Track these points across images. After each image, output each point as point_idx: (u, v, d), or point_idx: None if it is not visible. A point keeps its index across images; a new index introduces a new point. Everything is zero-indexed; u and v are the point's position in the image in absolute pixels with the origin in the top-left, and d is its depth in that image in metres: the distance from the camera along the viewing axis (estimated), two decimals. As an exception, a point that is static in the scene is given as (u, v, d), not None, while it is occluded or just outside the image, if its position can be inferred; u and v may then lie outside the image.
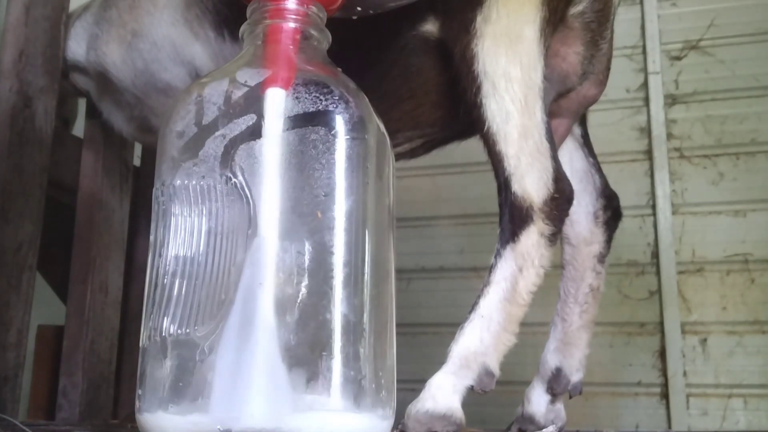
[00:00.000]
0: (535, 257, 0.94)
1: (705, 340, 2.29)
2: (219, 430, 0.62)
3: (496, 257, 0.95)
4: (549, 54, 1.01)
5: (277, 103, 0.70)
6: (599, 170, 1.19)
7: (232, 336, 0.64)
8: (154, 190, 0.72)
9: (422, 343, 2.31)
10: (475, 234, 2.51)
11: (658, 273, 2.36)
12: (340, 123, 0.70)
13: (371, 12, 0.86)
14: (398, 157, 1.21)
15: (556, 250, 0.99)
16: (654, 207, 2.41)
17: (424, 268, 2.58)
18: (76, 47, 1.40)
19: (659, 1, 2.53)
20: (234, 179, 0.68)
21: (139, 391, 0.67)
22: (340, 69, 0.77)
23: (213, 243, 0.67)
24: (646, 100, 2.48)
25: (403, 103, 1.09)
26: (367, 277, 0.69)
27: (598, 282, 1.15)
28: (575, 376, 1.12)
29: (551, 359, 1.13)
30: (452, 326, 0.95)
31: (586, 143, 1.22)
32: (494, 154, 0.97)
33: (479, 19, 0.97)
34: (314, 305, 0.65)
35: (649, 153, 2.45)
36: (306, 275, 0.66)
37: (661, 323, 2.33)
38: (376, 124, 0.75)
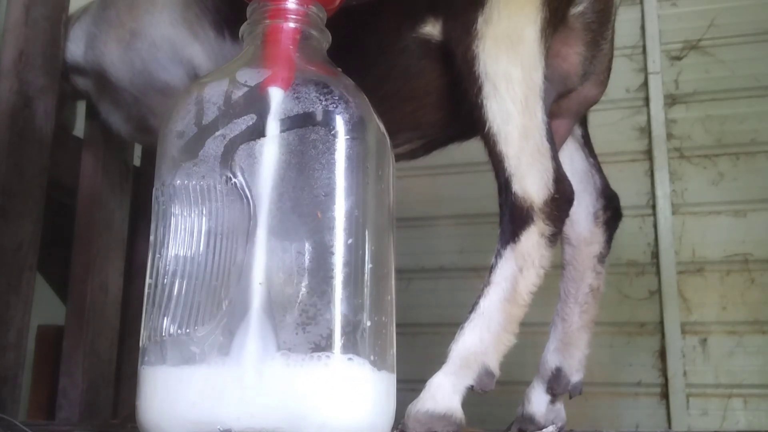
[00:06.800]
0: (536, 258, 0.94)
1: (705, 340, 2.29)
2: (219, 429, 0.62)
3: (496, 257, 0.95)
4: (550, 54, 1.01)
5: (276, 104, 0.70)
6: (600, 171, 1.19)
7: (230, 335, 0.64)
8: (154, 190, 0.72)
9: (422, 343, 2.31)
10: (475, 234, 2.51)
11: (658, 273, 2.36)
12: (340, 123, 0.70)
13: (354, 3, 0.86)
14: (398, 157, 1.21)
15: (557, 250, 0.99)
16: (654, 207, 2.41)
17: (424, 268, 2.57)
18: (75, 48, 1.40)
19: (659, 1, 2.53)
20: (234, 179, 0.68)
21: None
22: (340, 69, 0.77)
23: (213, 243, 0.67)
24: (646, 100, 2.48)
25: (403, 104, 1.09)
26: (367, 277, 0.69)
27: (598, 282, 1.15)
28: (575, 376, 1.12)
29: (551, 359, 1.13)
30: (452, 326, 0.95)
31: (587, 144, 1.22)
32: (495, 155, 0.97)
33: (480, 20, 0.97)
34: (314, 305, 0.65)
35: (649, 153, 2.45)
36: (306, 275, 0.66)
37: (661, 323, 2.33)
38: (376, 124, 0.75)
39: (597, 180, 1.18)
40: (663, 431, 2.15)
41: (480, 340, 0.92)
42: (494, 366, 0.92)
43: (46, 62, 1.36)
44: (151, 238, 0.71)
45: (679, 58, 2.49)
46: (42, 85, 1.34)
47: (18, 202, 1.27)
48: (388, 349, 0.71)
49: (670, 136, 2.44)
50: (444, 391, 0.90)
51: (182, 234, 0.68)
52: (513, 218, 0.95)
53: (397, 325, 0.74)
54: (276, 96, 0.70)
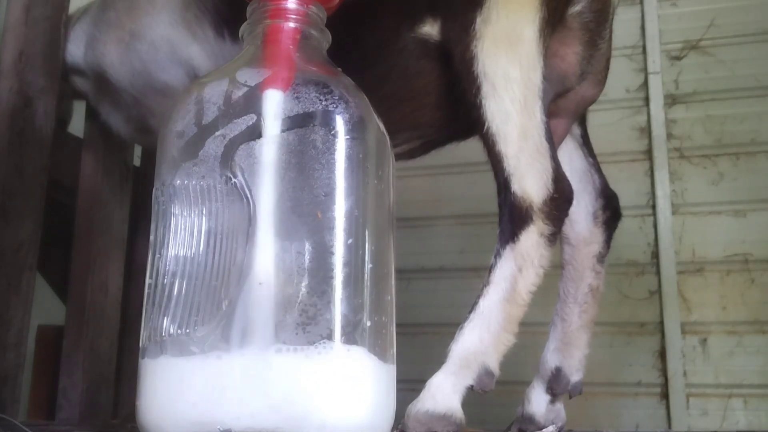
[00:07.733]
0: (535, 257, 0.94)
1: (705, 340, 2.29)
2: (219, 429, 0.62)
3: (495, 257, 0.95)
4: (548, 54, 1.01)
5: (276, 104, 0.70)
6: (599, 170, 1.19)
7: (230, 335, 0.64)
8: (154, 190, 0.72)
9: (422, 343, 2.31)
10: (475, 234, 2.50)
11: (658, 273, 2.36)
12: (340, 123, 0.70)
13: None
14: (397, 157, 1.21)
15: (556, 250, 0.99)
16: (654, 207, 2.41)
17: (424, 268, 2.58)
18: (75, 50, 1.41)
19: (659, 1, 2.53)
20: (234, 179, 0.68)
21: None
22: (340, 69, 0.77)
23: (213, 243, 0.67)
24: (646, 100, 2.48)
25: (402, 105, 1.09)
26: (367, 277, 0.69)
27: (597, 282, 1.15)
28: (575, 376, 1.12)
29: (551, 359, 1.13)
30: (452, 326, 0.95)
31: (586, 143, 1.22)
32: (494, 155, 0.97)
33: (479, 20, 0.97)
34: (314, 305, 0.65)
35: (649, 153, 2.45)
36: (306, 275, 0.66)
37: (661, 323, 2.33)
38: (376, 123, 0.75)
39: (596, 179, 1.18)
40: (663, 431, 2.15)
41: (480, 340, 0.92)
42: (494, 366, 0.92)
43: (46, 62, 1.36)
44: (151, 238, 0.71)
45: (679, 58, 2.49)
46: (42, 85, 1.34)
47: (18, 202, 1.27)
48: (388, 349, 0.71)
49: (670, 136, 2.44)
50: (444, 391, 0.90)
51: (182, 234, 0.68)
52: (512, 218, 0.95)
53: (397, 325, 0.74)
54: (276, 96, 0.70)
